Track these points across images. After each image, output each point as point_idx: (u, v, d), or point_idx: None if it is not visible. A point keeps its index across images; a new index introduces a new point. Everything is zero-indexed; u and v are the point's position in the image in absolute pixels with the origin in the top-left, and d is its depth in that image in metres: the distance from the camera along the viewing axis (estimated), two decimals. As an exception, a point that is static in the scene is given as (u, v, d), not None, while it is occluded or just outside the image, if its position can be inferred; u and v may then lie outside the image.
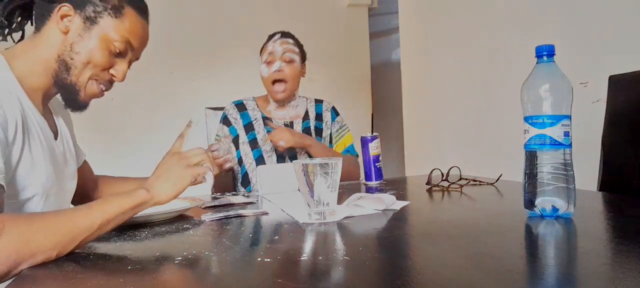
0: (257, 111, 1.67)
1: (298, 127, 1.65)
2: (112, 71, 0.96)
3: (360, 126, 3.19)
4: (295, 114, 1.68)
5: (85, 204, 0.75)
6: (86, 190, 1.18)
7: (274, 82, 1.58)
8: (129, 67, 0.99)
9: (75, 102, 0.95)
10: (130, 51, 0.97)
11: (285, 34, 1.64)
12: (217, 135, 1.68)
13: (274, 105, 1.67)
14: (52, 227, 0.67)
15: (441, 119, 2.44)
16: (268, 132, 1.62)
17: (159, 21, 2.89)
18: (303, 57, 1.66)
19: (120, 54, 0.95)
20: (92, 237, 0.72)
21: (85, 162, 1.20)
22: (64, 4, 0.90)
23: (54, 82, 0.93)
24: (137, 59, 1.00)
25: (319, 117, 1.70)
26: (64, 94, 0.94)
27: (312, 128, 1.67)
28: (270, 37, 1.64)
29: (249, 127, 1.64)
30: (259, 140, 1.62)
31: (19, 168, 0.83)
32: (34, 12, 0.94)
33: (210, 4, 3.11)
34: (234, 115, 1.66)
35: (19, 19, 0.95)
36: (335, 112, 1.73)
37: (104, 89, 0.97)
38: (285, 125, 1.65)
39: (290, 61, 1.58)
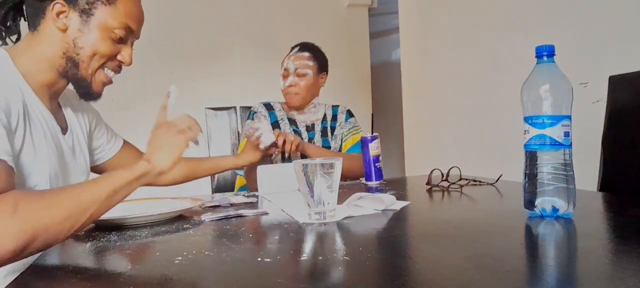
0: (282, 112, 1.79)
1: (318, 127, 1.78)
2: (119, 57, 0.97)
3: (361, 126, 3.18)
4: (316, 118, 1.80)
5: (92, 179, 0.79)
6: None
7: (288, 93, 1.73)
8: (132, 47, 1.00)
9: (89, 94, 0.97)
10: (131, 34, 0.98)
11: (304, 47, 1.76)
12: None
13: (296, 111, 1.79)
14: (63, 201, 0.70)
15: (441, 119, 2.44)
16: (292, 130, 1.73)
17: (160, 21, 2.89)
18: (321, 68, 1.77)
19: (122, 39, 0.96)
20: (101, 209, 0.75)
21: (125, 143, 1.23)
22: (56, 1, 0.90)
23: (62, 77, 0.94)
24: (138, 38, 1.01)
25: (334, 118, 1.83)
26: (76, 86, 0.96)
27: (328, 128, 1.80)
28: (291, 49, 1.77)
29: (275, 125, 1.74)
30: None
31: (21, 156, 0.85)
32: (26, 10, 0.94)
33: (210, 4, 3.11)
34: (263, 112, 1.77)
35: (13, 20, 0.96)
36: (349, 115, 1.86)
37: (113, 74, 0.99)
38: (307, 127, 1.77)
39: (303, 75, 1.71)
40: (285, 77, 1.74)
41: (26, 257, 0.68)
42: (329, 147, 1.75)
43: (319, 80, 1.79)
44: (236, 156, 1.46)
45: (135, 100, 2.84)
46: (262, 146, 1.38)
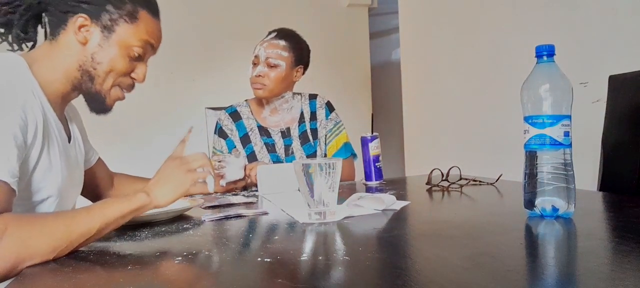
0: (252, 120, 1.61)
1: (295, 132, 1.60)
2: (133, 74, 0.97)
3: (360, 126, 3.19)
4: (291, 119, 1.61)
5: (85, 207, 0.76)
6: (102, 188, 1.20)
7: (254, 83, 1.55)
8: (146, 64, 1.00)
9: (101, 108, 0.97)
10: (150, 51, 0.98)
11: (281, 34, 1.57)
12: (214, 148, 1.63)
13: (268, 110, 1.61)
14: (51, 231, 0.68)
15: (441, 119, 2.44)
16: (265, 143, 1.57)
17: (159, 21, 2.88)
18: (298, 60, 1.58)
19: (140, 57, 0.96)
20: (91, 240, 0.73)
21: (100, 159, 1.21)
22: (80, 15, 0.90)
23: (75, 89, 0.94)
24: (155, 53, 1.02)
25: (313, 116, 1.63)
26: (89, 100, 0.96)
27: (308, 131, 1.61)
28: (268, 34, 1.59)
29: (245, 140, 1.58)
30: (256, 152, 1.57)
31: (36, 171, 0.84)
32: (47, 19, 0.93)
33: (210, 3, 3.11)
34: (229, 127, 1.60)
35: (33, 27, 0.96)
36: (329, 108, 1.65)
37: (126, 91, 0.99)
38: (281, 132, 1.59)
39: (274, 66, 1.53)
40: (254, 64, 1.55)
41: (5, 280, 0.66)
42: (314, 154, 1.58)
43: (293, 73, 1.58)
44: (203, 184, 1.41)
45: (134, 100, 2.84)
46: (222, 182, 1.31)
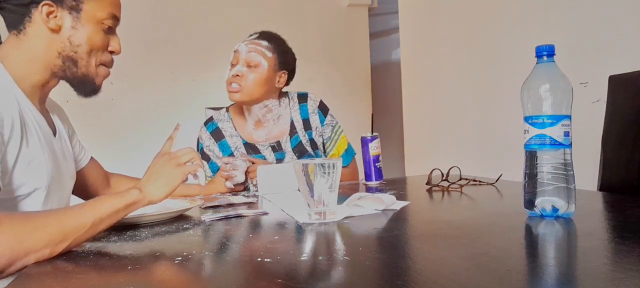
0: (236, 137, 1.46)
1: (286, 145, 1.46)
2: (110, 48, 0.99)
3: (360, 126, 3.18)
4: (279, 132, 1.47)
5: (79, 204, 0.77)
6: (98, 188, 1.20)
7: (230, 84, 1.40)
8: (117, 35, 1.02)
9: (91, 90, 0.98)
10: (116, 22, 1.00)
11: (264, 36, 1.44)
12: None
13: (251, 122, 1.46)
14: (44, 226, 0.68)
15: (441, 119, 2.44)
16: (257, 156, 1.45)
17: (159, 22, 2.88)
18: (282, 65, 1.44)
19: (111, 29, 0.98)
20: (86, 236, 0.72)
21: (92, 159, 1.21)
22: (44, 3, 0.90)
23: (56, 77, 0.95)
24: (119, 23, 1.03)
25: (306, 124, 1.48)
26: (77, 85, 0.97)
27: (304, 142, 1.46)
28: (250, 36, 1.47)
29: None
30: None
31: (17, 165, 0.84)
32: (5, 16, 0.93)
33: (210, 3, 3.11)
34: (211, 148, 1.46)
35: None
36: (322, 111, 1.51)
37: (108, 67, 1.01)
38: (271, 146, 1.46)
39: (254, 66, 1.38)
40: (233, 66, 1.41)
41: (2, 278, 0.66)
42: None
43: (276, 78, 1.43)
44: (202, 185, 1.39)
45: (135, 101, 2.84)
46: (228, 184, 1.32)
